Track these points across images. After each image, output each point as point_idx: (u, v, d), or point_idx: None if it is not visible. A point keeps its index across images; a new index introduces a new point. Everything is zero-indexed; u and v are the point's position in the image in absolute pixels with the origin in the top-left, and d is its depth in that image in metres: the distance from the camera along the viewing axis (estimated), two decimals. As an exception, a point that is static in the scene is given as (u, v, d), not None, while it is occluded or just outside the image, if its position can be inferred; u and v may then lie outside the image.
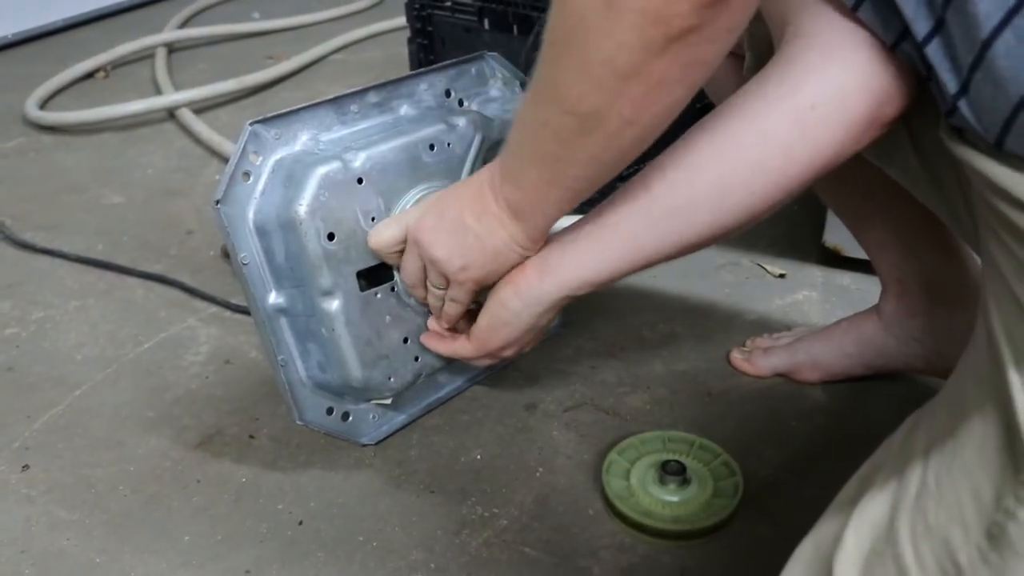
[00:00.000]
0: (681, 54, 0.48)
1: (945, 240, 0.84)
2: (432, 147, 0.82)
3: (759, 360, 0.94)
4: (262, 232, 0.77)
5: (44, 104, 1.73)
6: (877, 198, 0.83)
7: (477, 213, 0.67)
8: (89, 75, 1.89)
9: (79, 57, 1.91)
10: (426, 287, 0.77)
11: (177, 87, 1.77)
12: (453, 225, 0.69)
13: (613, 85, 0.51)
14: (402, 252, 0.76)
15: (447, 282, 0.74)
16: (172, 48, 2.03)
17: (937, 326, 0.86)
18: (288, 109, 0.78)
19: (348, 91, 0.82)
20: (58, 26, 2.20)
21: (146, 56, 1.98)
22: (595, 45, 0.50)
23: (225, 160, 1.48)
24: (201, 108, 1.68)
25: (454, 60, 0.89)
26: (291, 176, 0.76)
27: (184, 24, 2.21)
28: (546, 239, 0.69)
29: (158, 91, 1.78)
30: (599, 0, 0.47)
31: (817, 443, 0.85)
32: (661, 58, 0.48)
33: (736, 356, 0.96)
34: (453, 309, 0.76)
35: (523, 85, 0.93)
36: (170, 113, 1.67)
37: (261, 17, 2.26)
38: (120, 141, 1.60)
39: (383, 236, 0.76)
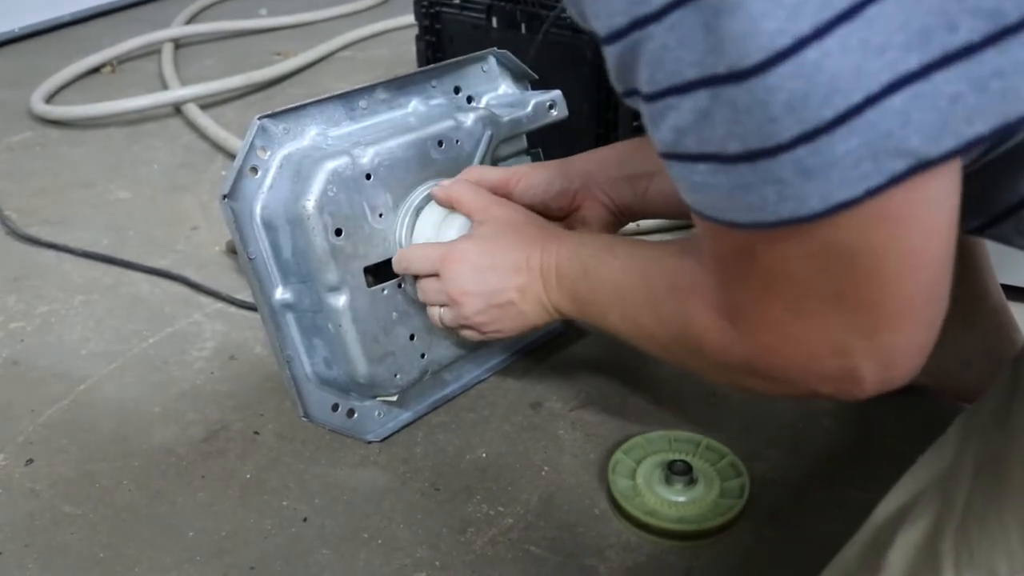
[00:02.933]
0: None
1: (965, 256, 0.83)
2: (441, 143, 0.82)
3: None
4: (269, 227, 0.76)
5: (50, 98, 1.73)
6: None
7: (521, 290, 0.70)
8: (95, 70, 1.89)
9: (85, 52, 1.91)
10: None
11: (183, 82, 1.77)
12: (497, 298, 0.71)
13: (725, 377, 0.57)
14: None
15: (464, 326, 0.75)
16: (179, 43, 2.03)
17: (947, 344, 0.85)
18: (296, 104, 0.78)
19: (357, 87, 0.82)
20: (65, 21, 2.20)
21: (153, 51, 1.97)
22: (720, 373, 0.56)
23: (231, 156, 1.48)
24: (207, 104, 1.68)
25: (463, 57, 0.89)
26: (299, 171, 0.76)
27: (191, 20, 2.21)
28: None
29: (164, 86, 1.78)
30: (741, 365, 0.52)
31: (823, 445, 0.85)
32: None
33: None
34: (457, 331, 0.78)
35: (532, 83, 0.93)
36: (176, 108, 1.67)
37: (268, 14, 2.26)
38: (126, 136, 1.60)
39: (413, 265, 0.76)
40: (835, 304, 0.44)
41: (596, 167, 0.81)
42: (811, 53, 0.36)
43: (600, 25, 0.42)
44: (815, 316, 0.45)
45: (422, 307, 0.82)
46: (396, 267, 0.79)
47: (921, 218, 0.41)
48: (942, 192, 0.41)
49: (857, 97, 0.37)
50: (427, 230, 0.79)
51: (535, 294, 0.70)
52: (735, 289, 0.49)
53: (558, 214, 0.81)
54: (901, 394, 0.91)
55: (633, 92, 0.44)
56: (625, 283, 0.63)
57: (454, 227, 0.78)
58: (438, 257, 0.73)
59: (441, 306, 0.75)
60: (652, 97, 0.42)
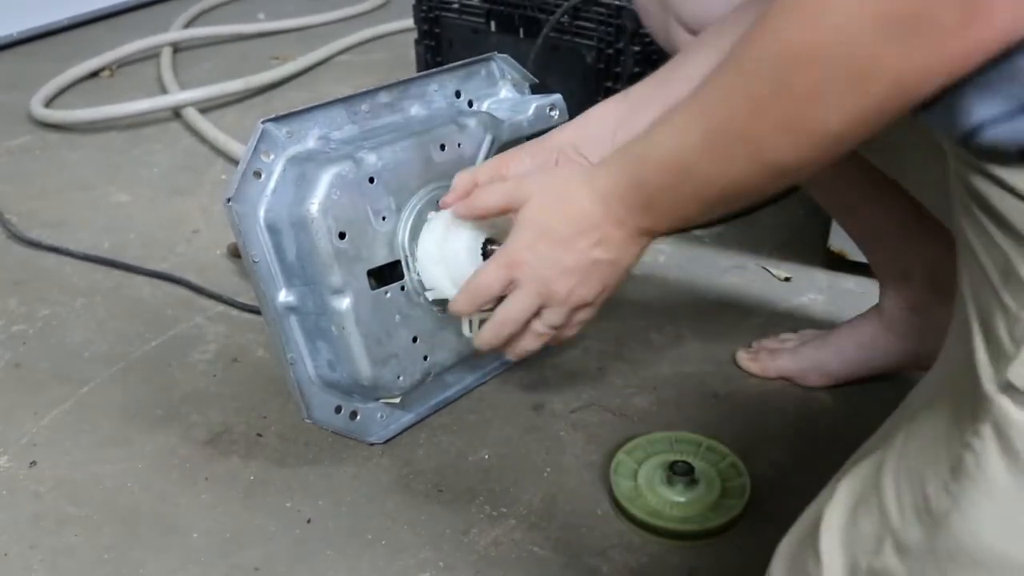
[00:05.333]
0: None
1: (945, 229, 0.83)
2: (443, 147, 0.83)
3: (765, 361, 0.94)
4: (273, 230, 0.77)
5: (50, 102, 1.73)
6: (863, 188, 0.83)
7: (598, 244, 0.65)
8: (94, 74, 1.89)
9: (85, 56, 1.91)
10: (521, 325, 0.70)
11: (183, 86, 1.77)
12: (583, 265, 0.66)
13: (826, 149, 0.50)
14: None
15: (573, 309, 0.69)
16: (178, 48, 2.04)
17: (939, 319, 0.86)
18: (300, 108, 0.78)
19: (359, 91, 0.82)
20: (64, 25, 2.21)
21: (152, 55, 1.98)
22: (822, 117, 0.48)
23: (231, 160, 1.48)
24: (207, 107, 1.69)
25: (464, 61, 0.90)
26: (303, 175, 0.76)
27: (190, 24, 2.21)
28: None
29: (164, 90, 1.78)
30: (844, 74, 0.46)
31: (824, 445, 0.85)
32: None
33: (742, 355, 0.96)
34: (546, 337, 0.72)
35: (532, 87, 0.94)
36: (176, 112, 1.68)
37: (267, 18, 2.26)
38: (126, 140, 1.60)
39: (484, 293, 0.69)
40: None
41: (576, 134, 0.78)
42: None
43: None
44: None
45: (425, 311, 0.83)
46: (466, 307, 0.71)
47: None
48: None
49: None
50: (431, 249, 0.77)
51: (613, 239, 0.65)
52: None
53: None
54: (903, 390, 0.92)
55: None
56: (693, 117, 0.56)
57: (460, 239, 0.75)
58: (504, 270, 0.68)
59: (536, 315, 0.69)
60: None
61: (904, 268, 0.86)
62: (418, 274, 0.80)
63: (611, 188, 0.63)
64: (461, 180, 0.75)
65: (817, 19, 0.46)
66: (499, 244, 0.74)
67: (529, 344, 0.71)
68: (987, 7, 0.41)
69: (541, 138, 0.79)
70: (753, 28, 0.51)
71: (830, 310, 1.05)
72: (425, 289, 0.80)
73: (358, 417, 0.84)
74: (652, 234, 0.65)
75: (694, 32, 0.81)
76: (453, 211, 0.74)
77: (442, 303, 0.80)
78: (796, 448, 0.85)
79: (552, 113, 0.91)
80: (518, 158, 0.78)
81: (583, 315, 0.70)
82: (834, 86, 0.48)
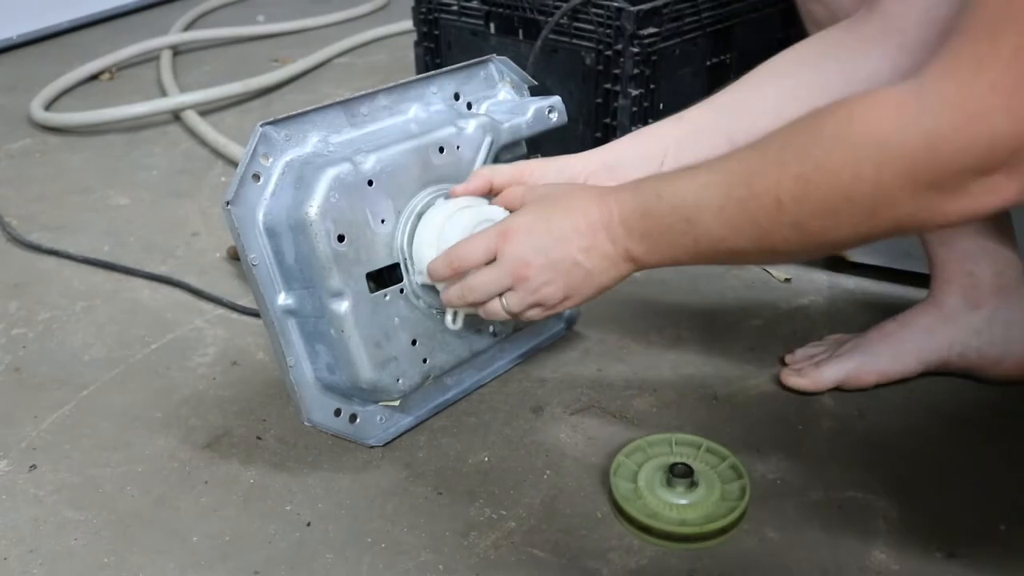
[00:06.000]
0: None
1: (1010, 229, 0.84)
2: (441, 150, 0.83)
3: (814, 374, 0.90)
4: (272, 233, 0.77)
5: (49, 105, 1.74)
6: None
7: (586, 250, 0.67)
8: (94, 77, 1.89)
9: (84, 59, 1.91)
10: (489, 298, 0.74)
11: (182, 89, 1.77)
12: (562, 264, 0.68)
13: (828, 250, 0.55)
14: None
15: (532, 304, 0.72)
16: (177, 50, 2.04)
17: (1000, 318, 0.86)
18: (298, 111, 0.78)
19: (358, 94, 0.82)
20: (63, 28, 2.21)
21: (151, 58, 1.98)
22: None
23: (230, 162, 1.48)
24: (206, 110, 1.69)
25: (463, 63, 0.90)
26: (301, 178, 0.76)
27: (189, 27, 2.22)
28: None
29: (163, 93, 1.78)
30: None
31: (824, 447, 0.85)
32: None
33: (789, 375, 0.91)
34: (523, 314, 0.74)
35: (531, 89, 0.94)
36: (175, 115, 1.68)
37: (266, 20, 2.27)
38: (125, 143, 1.60)
39: (466, 258, 0.72)
40: None
41: (624, 153, 0.80)
42: None
43: None
44: None
45: (424, 313, 0.83)
46: (442, 270, 0.74)
47: None
48: None
49: None
50: (429, 235, 0.79)
51: (601, 250, 0.67)
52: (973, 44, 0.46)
53: None
54: (904, 392, 0.92)
55: None
56: (717, 173, 0.60)
57: (458, 227, 0.77)
58: (494, 237, 0.70)
59: (502, 294, 0.72)
60: None
61: (971, 268, 0.86)
62: (413, 258, 0.80)
63: (618, 207, 0.66)
64: (478, 175, 0.79)
65: (854, 161, 0.51)
66: None
67: (493, 309, 0.74)
68: (1006, 183, 0.46)
69: (576, 156, 0.81)
70: (799, 130, 0.55)
71: (830, 311, 1.05)
72: (417, 272, 0.80)
73: (357, 420, 0.84)
74: (637, 264, 0.68)
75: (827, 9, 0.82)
76: (456, 188, 0.78)
77: (431, 291, 0.81)
78: (796, 450, 0.85)
79: (551, 115, 0.91)
80: (541, 169, 0.79)
81: (534, 313, 0.73)
82: (853, 214, 0.53)
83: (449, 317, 0.81)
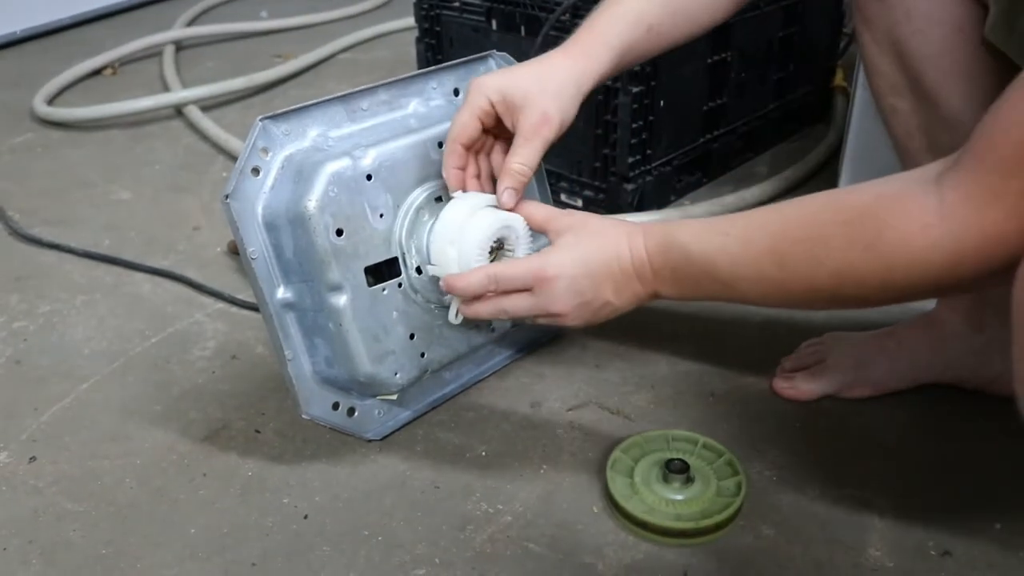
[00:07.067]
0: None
1: None
2: (441, 145, 0.83)
3: (806, 386, 0.90)
4: (271, 227, 0.77)
5: (52, 100, 1.74)
6: None
7: (618, 292, 0.72)
8: (97, 72, 1.90)
9: (87, 54, 1.92)
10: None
11: (185, 84, 1.78)
12: (593, 304, 0.73)
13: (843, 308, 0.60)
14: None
15: (554, 323, 0.75)
16: (180, 46, 2.04)
17: (999, 339, 0.86)
18: (298, 105, 0.79)
19: (358, 88, 0.82)
20: (66, 23, 2.22)
21: (154, 53, 1.99)
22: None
23: (232, 157, 1.49)
24: (208, 106, 1.69)
25: (463, 59, 0.90)
26: (300, 172, 0.76)
27: (192, 22, 2.22)
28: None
29: (166, 88, 1.79)
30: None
31: (820, 444, 0.85)
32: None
33: (780, 384, 0.91)
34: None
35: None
36: (177, 110, 1.68)
37: (269, 16, 2.27)
38: (128, 138, 1.61)
39: (506, 285, 0.73)
40: None
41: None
42: None
43: None
44: None
45: (422, 307, 0.83)
46: (479, 288, 0.74)
47: None
48: None
49: None
50: (450, 229, 0.77)
51: (630, 291, 0.72)
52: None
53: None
54: (902, 393, 0.92)
55: None
56: (750, 251, 0.64)
57: (479, 229, 0.75)
58: (531, 275, 0.72)
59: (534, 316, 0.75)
60: None
61: (982, 292, 0.85)
62: (429, 251, 0.79)
63: (648, 261, 0.70)
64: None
65: (885, 270, 0.57)
66: (508, 248, 0.78)
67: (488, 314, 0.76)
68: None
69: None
70: (831, 232, 0.59)
71: (829, 313, 1.05)
72: (430, 263, 0.79)
73: (356, 413, 0.85)
74: (659, 298, 0.73)
75: None
76: (500, 199, 0.77)
77: (434, 284, 0.82)
78: (793, 447, 0.85)
79: (550, 111, 0.90)
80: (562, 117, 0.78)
81: (546, 321, 0.75)
82: (883, 301, 0.60)
83: (452, 312, 0.81)
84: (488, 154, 0.81)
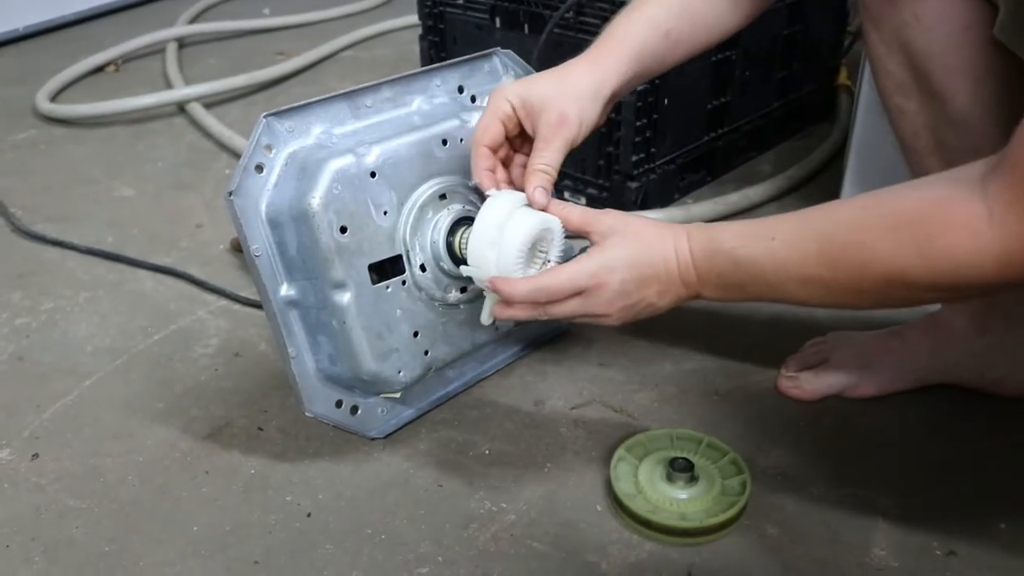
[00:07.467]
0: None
1: None
2: (444, 142, 0.83)
3: (809, 384, 0.90)
4: (274, 224, 0.77)
5: (55, 97, 1.74)
6: None
7: (662, 293, 0.73)
8: (100, 69, 1.90)
9: (90, 51, 1.92)
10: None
11: (187, 82, 1.77)
12: (638, 306, 0.73)
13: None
14: None
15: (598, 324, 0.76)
16: (183, 43, 2.04)
17: (1004, 343, 0.86)
18: (302, 102, 0.78)
19: (362, 85, 0.82)
20: (69, 20, 2.22)
21: (157, 51, 1.98)
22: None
23: (235, 154, 1.49)
24: (211, 103, 1.69)
25: (467, 56, 0.89)
26: (304, 169, 0.76)
27: (195, 19, 2.22)
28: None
29: (168, 85, 1.79)
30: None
31: (825, 444, 0.85)
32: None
33: (785, 383, 0.91)
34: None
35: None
36: (180, 107, 1.68)
37: (271, 13, 2.27)
38: (130, 135, 1.61)
39: (557, 295, 0.73)
40: None
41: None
42: None
43: None
44: None
45: (426, 305, 0.83)
46: (528, 297, 0.73)
47: None
48: None
49: None
50: (490, 230, 0.75)
51: (673, 293, 0.73)
52: None
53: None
54: (904, 394, 0.92)
55: None
56: (797, 255, 0.66)
57: (520, 233, 0.74)
58: (586, 281, 0.72)
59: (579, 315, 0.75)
60: None
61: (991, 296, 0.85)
62: (468, 250, 0.77)
63: (693, 266, 0.71)
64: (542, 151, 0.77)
65: (934, 275, 0.58)
66: (547, 253, 0.77)
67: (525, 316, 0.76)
68: None
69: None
70: (878, 236, 0.61)
71: (832, 311, 1.05)
72: (467, 264, 0.77)
73: (359, 411, 0.84)
74: (700, 299, 0.73)
75: None
76: (533, 198, 0.76)
77: (438, 281, 0.82)
78: (797, 446, 0.85)
79: (555, 109, 0.90)
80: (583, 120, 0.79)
81: (580, 321, 0.75)
82: (929, 300, 0.63)
83: (486, 313, 0.79)
84: (511, 166, 0.82)
